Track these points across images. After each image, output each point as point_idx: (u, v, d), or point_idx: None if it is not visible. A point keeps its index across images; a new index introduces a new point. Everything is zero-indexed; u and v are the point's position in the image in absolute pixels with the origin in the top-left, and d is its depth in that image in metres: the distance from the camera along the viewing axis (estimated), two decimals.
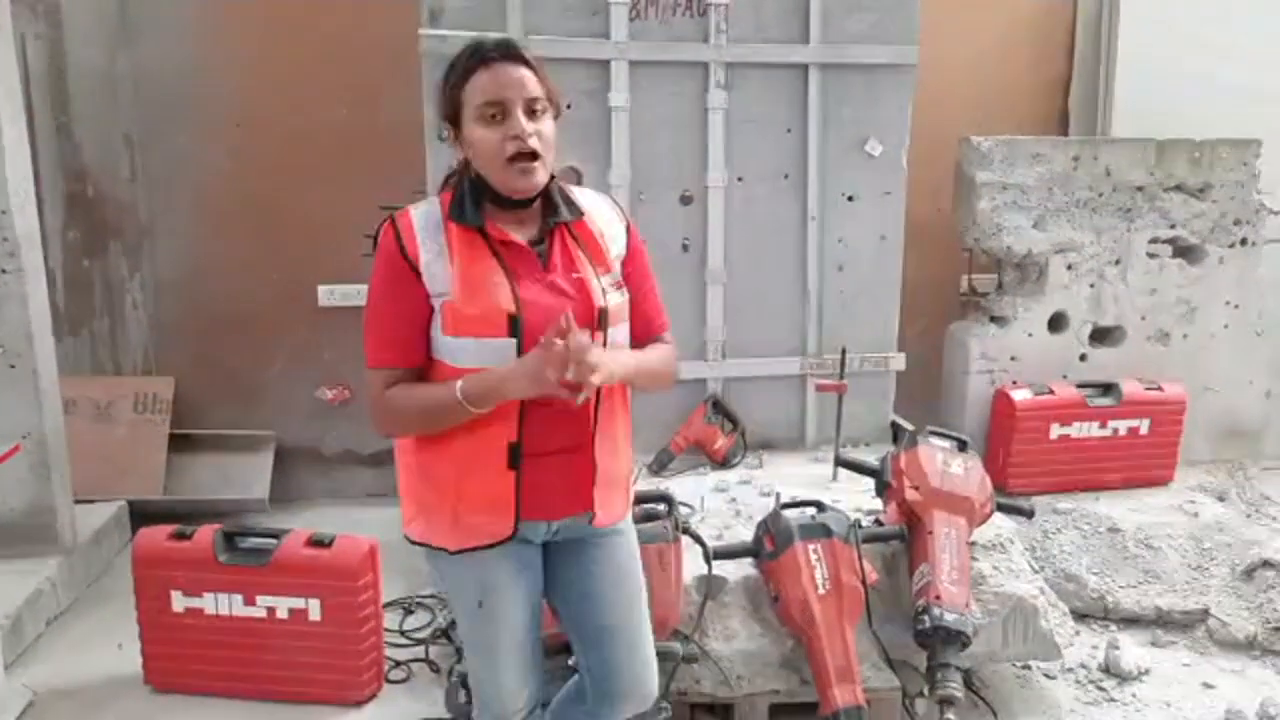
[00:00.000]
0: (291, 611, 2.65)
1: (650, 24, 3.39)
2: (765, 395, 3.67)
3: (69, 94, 3.99)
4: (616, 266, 1.79)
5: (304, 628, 2.65)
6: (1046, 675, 2.99)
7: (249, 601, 2.66)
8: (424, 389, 1.69)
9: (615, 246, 1.80)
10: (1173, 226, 3.94)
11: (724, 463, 3.49)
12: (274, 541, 2.68)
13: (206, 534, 2.69)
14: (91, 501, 3.69)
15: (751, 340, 3.65)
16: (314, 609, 2.64)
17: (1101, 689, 2.94)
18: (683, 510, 2.88)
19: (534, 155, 1.64)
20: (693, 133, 3.48)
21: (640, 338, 1.85)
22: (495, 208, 1.71)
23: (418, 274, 1.65)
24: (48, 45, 3.95)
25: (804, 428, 3.72)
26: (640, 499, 2.60)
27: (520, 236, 1.72)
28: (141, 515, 3.71)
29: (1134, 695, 2.90)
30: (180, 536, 2.70)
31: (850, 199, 3.61)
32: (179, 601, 2.68)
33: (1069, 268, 3.88)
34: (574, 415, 1.68)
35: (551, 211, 1.74)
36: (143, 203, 4.10)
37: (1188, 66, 4.33)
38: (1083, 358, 3.96)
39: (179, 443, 4.09)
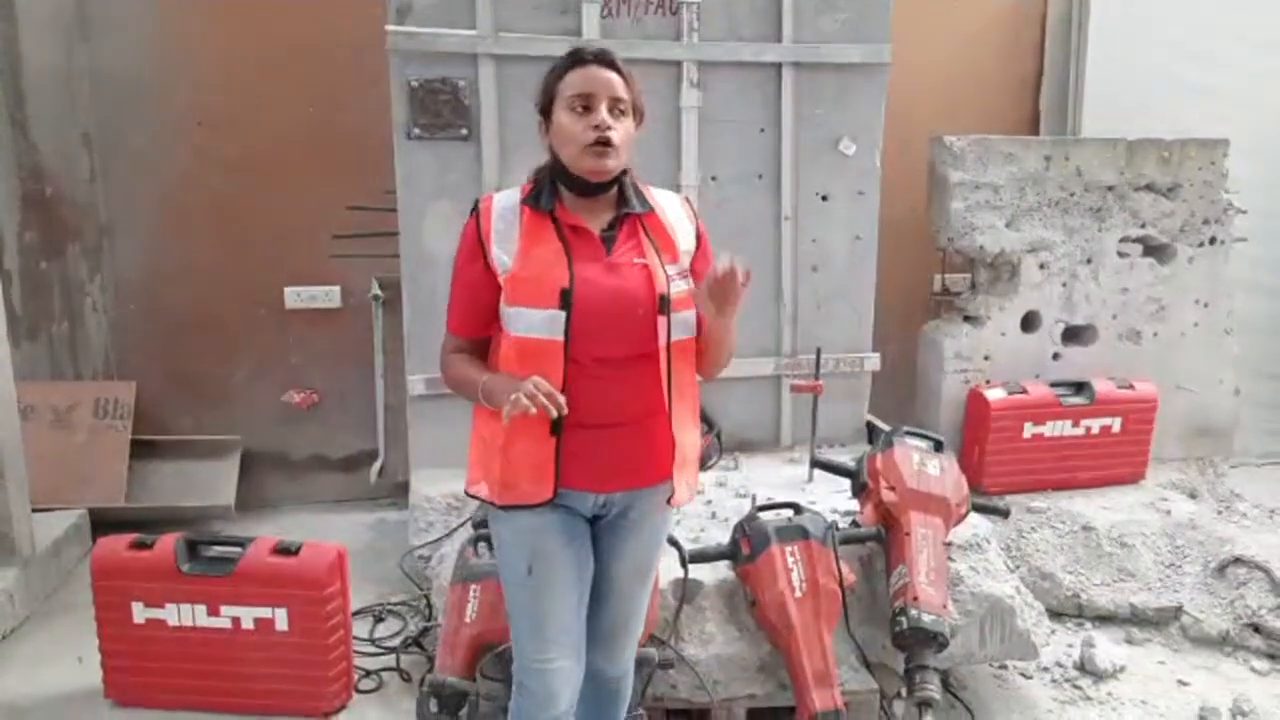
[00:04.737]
0: (257, 621, 2.58)
1: (622, 22, 3.35)
2: (740, 396, 3.64)
3: (24, 91, 3.87)
4: (685, 260, 1.91)
5: (270, 638, 2.59)
6: (1023, 675, 2.99)
7: (213, 612, 2.59)
8: (468, 368, 1.86)
9: (685, 241, 1.93)
10: (1143, 226, 3.97)
11: (700, 465, 3.46)
12: (238, 550, 2.62)
13: (168, 543, 2.62)
14: (50, 510, 3.60)
15: None
16: (280, 619, 2.58)
17: (1078, 687, 2.94)
18: None
19: (609, 143, 1.78)
20: (666, 132, 3.44)
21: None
22: (572, 195, 1.85)
23: (486, 253, 1.82)
24: (0, 40, 3.84)
25: (779, 429, 3.71)
26: None
27: (592, 224, 1.86)
28: (103, 524, 3.62)
29: (1110, 694, 2.91)
30: (140, 546, 2.63)
31: (824, 199, 3.60)
32: (140, 613, 2.61)
33: (1041, 267, 3.89)
34: (637, 388, 1.81)
35: (624, 203, 1.88)
36: (102, 203, 4.01)
37: (1157, 66, 4.38)
38: (1055, 356, 3.97)
39: (141, 449, 4.00)
